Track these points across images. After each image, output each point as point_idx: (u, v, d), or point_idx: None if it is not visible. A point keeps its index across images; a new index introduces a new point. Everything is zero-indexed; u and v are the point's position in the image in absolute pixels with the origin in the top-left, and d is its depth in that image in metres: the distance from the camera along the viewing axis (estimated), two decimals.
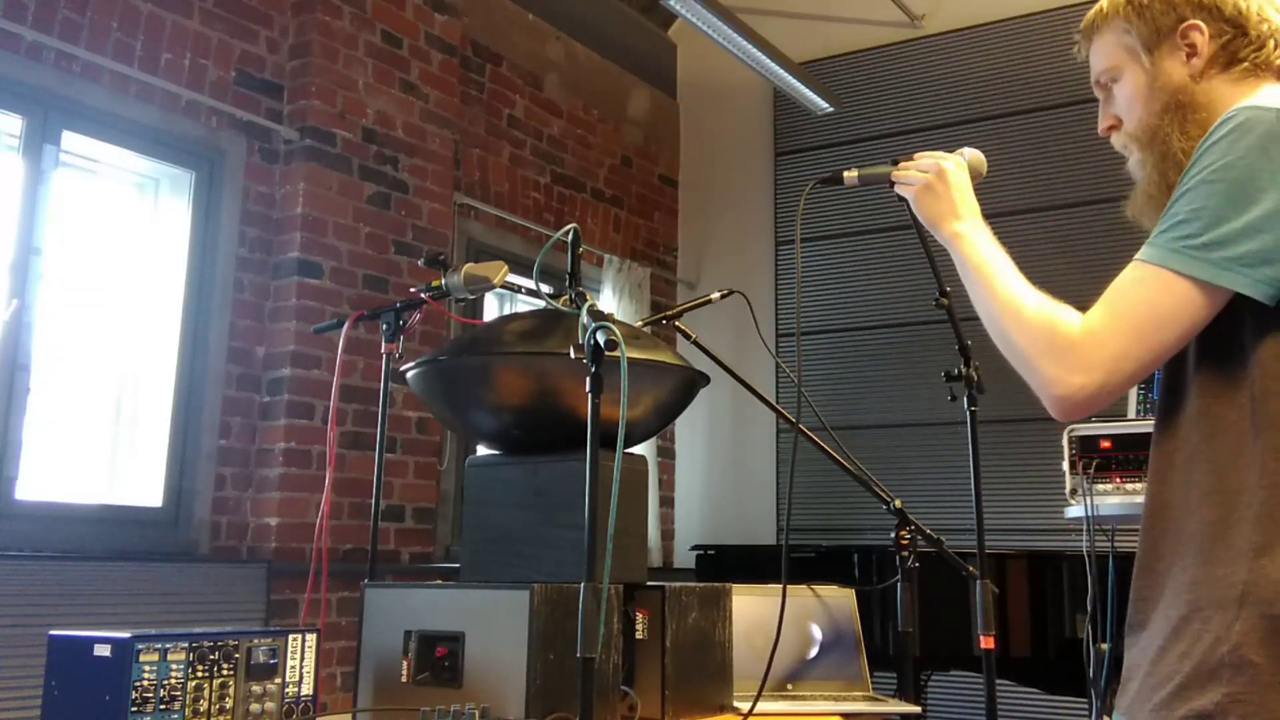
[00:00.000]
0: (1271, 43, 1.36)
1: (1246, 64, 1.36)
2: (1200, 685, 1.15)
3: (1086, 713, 4.58)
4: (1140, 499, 3.03)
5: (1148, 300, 1.22)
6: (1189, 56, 1.37)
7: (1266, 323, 1.20)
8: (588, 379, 1.85)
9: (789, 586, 2.36)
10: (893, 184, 1.64)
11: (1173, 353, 1.24)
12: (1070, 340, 1.25)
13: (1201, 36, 1.36)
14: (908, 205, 1.62)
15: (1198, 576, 1.20)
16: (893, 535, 2.66)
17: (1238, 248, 1.18)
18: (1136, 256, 1.25)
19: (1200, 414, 1.25)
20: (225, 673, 1.94)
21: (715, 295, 2.83)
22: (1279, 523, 1.16)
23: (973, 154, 2.45)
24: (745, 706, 2.29)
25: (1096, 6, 1.47)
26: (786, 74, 5.31)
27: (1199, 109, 1.36)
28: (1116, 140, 1.47)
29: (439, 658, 2.12)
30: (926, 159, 1.59)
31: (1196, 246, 1.20)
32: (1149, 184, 1.40)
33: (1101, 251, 5.12)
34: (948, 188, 1.53)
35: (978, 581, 2.48)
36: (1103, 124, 1.47)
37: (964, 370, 2.59)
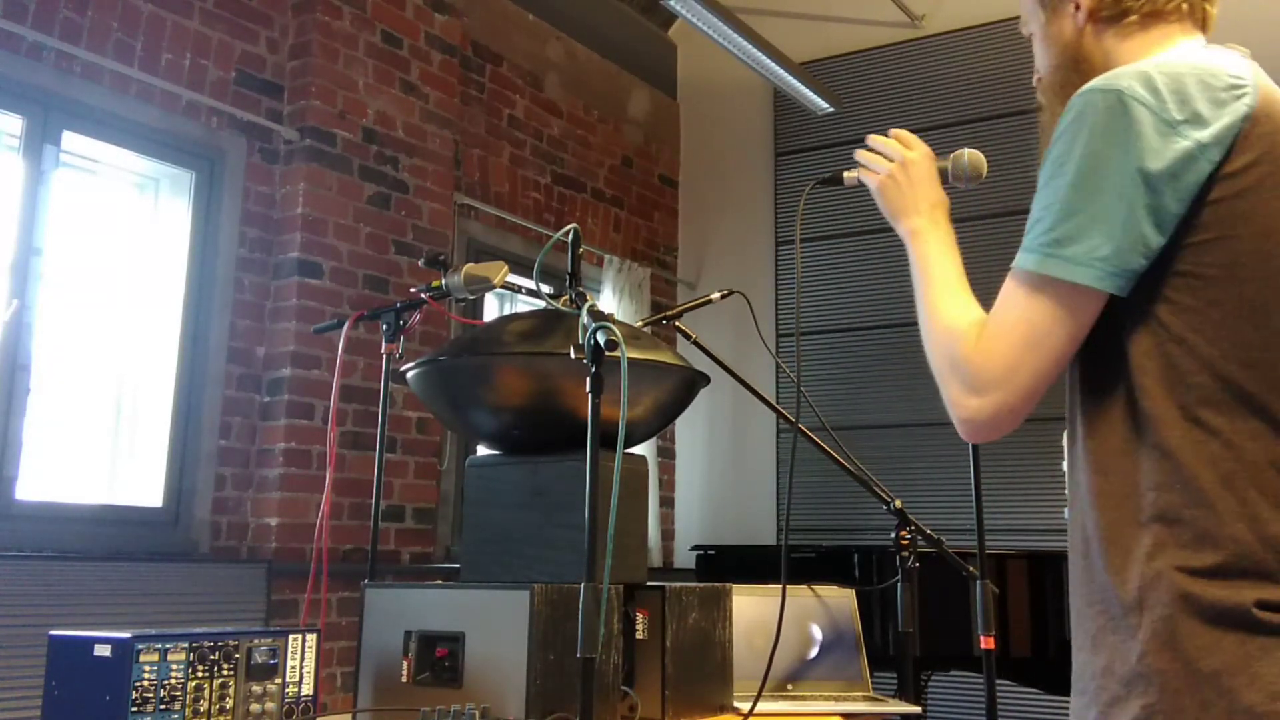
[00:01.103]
0: None
1: (1134, 16, 1.30)
2: (1123, 701, 1.12)
3: None
4: None
5: (1023, 307, 1.18)
6: (1075, 9, 1.33)
7: (1136, 317, 1.16)
8: (588, 379, 1.85)
9: (789, 586, 2.36)
10: (855, 167, 1.57)
11: (1068, 356, 1.19)
12: (965, 358, 1.21)
13: None
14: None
15: (1103, 583, 1.16)
16: (893, 535, 2.66)
17: (1088, 240, 1.13)
18: (1013, 263, 1.21)
19: (1087, 415, 1.22)
20: (225, 673, 1.94)
21: (715, 295, 2.84)
22: (1167, 524, 1.12)
23: (973, 154, 2.45)
24: (745, 707, 2.29)
25: None
26: (786, 74, 5.31)
27: (1084, 68, 1.32)
28: (1039, 93, 1.44)
29: (439, 658, 2.12)
30: (893, 147, 1.48)
31: (1049, 244, 1.16)
32: (1045, 139, 1.37)
33: None
34: (910, 181, 1.44)
35: (978, 582, 2.49)
36: (1034, 75, 1.45)
37: None
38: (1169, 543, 1.12)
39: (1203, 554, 1.10)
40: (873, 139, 1.51)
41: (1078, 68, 1.33)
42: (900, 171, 1.45)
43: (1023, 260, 1.19)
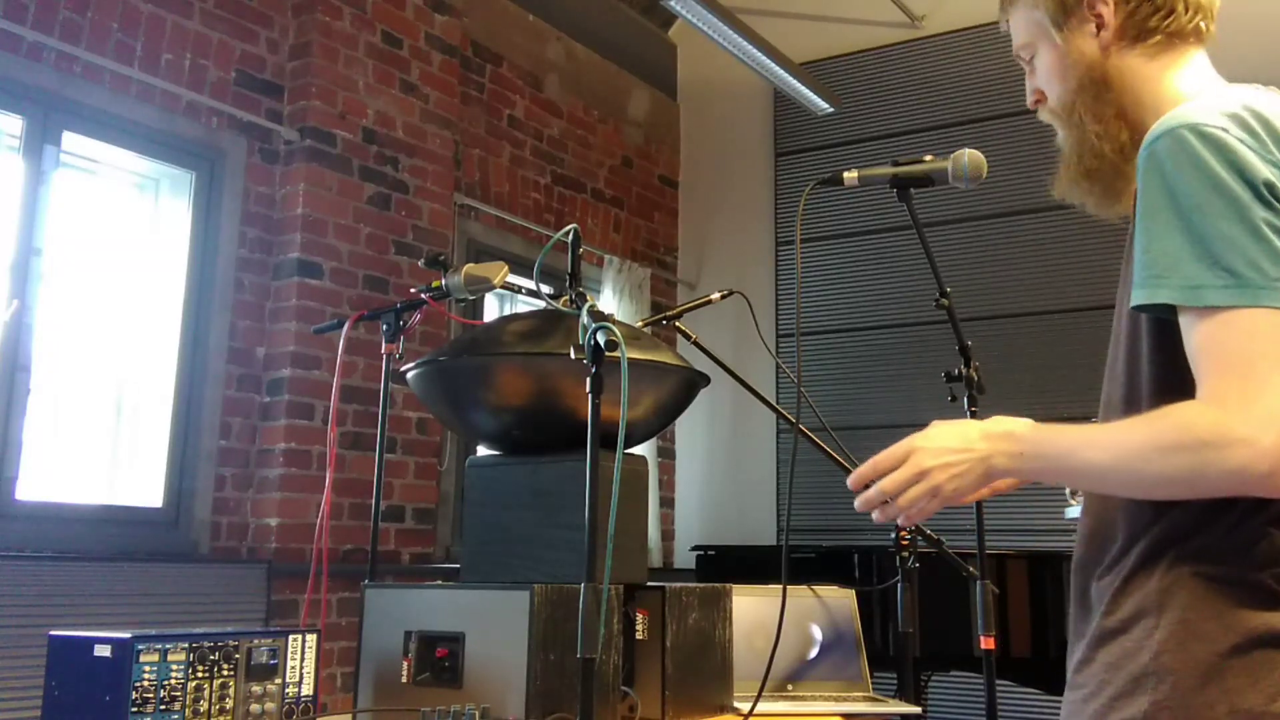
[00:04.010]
0: (1181, 6, 1.30)
1: (1159, 35, 1.30)
2: (1129, 695, 1.15)
3: None
4: None
5: (1263, 339, 1.09)
6: (1098, 29, 1.33)
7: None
8: (588, 379, 1.85)
9: (789, 587, 2.36)
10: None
11: None
12: (1217, 422, 1.08)
13: (1107, 7, 1.32)
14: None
15: (1122, 581, 1.20)
16: (893, 536, 2.66)
17: (1267, 263, 1.10)
18: (1189, 304, 1.11)
19: None
20: (225, 673, 1.94)
21: (715, 295, 2.84)
22: (1199, 532, 1.16)
23: (973, 154, 2.44)
24: (745, 707, 2.29)
25: None
26: (786, 74, 5.31)
27: (1112, 88, 1.32)
28: (1042, 114, 1.43)
29: (439, 658, 2.12)
30: (884, 474, 1.26)
31: (1245, 279, 1.09)
32: (1067, 165, 1.38)
33: (1102, 251, 5.12)
34: (942, 452, 1.24)
35: (978, 582, 2.48)
36: (1030, 97, 1.43)
37: (964, 371, 2.59)
38: (1206, 549, 1.15)
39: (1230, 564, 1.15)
40: (878, 490, 1.27)
41: (1105, 89, 1.33)
42: (925, 459, 1.24)
43: (1222, 297, 1.10)
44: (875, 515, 1.30)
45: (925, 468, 1.24)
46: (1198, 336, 1.11)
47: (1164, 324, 1.17)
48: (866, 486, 1.29)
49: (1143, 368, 1.22)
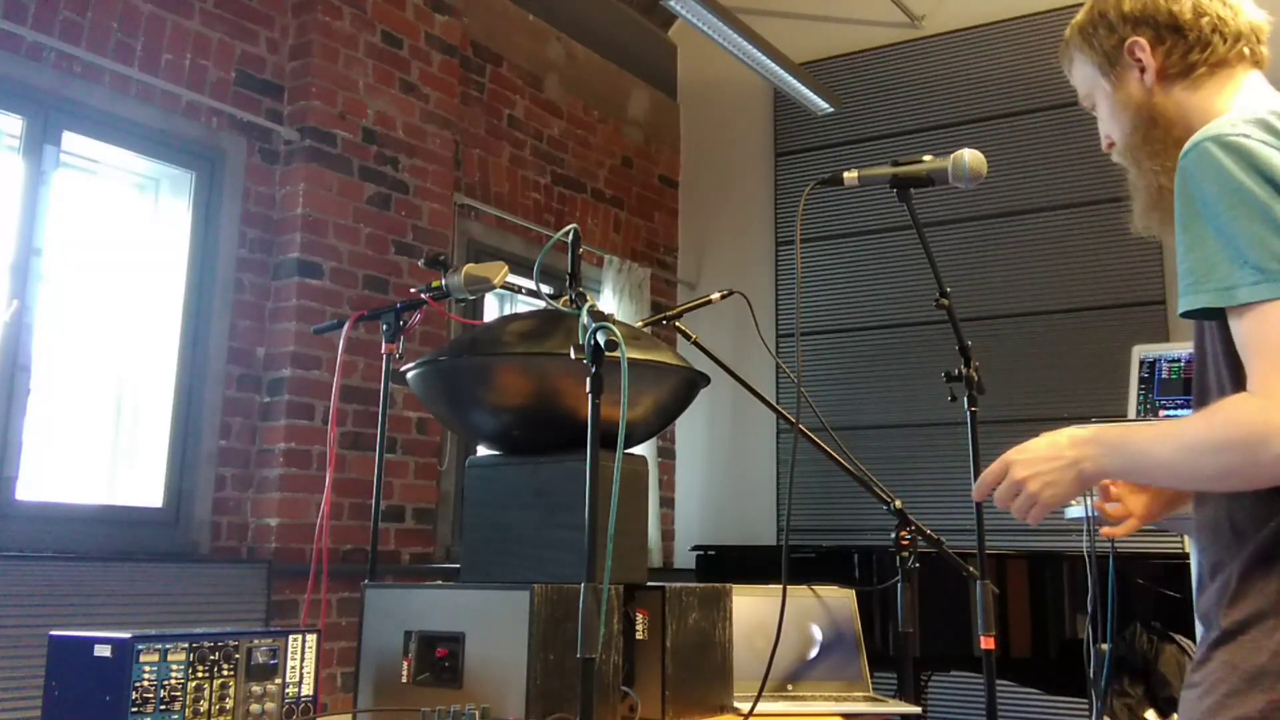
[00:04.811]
0: (1217, 37, 1.36)
1: (1202, 68, 1.36)
2: (1244, 693, 1.16)
3: (1086, 713, 4.58)
4: None
5: None
6: (1141, 73, 1.39)
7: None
8: (588, 379, 1.85)
9: (789, 587, 2.36)
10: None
11: None
12: (1260, 415, 1.12)
13: (1145, 52, 1.38)
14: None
15: (1244, 582, 1.21)
16: (893, 535, 2.66)
17: None
18: (1238, 302, 1.16)
19: None
20: (225, 673, 1.94)
21: (715, 295, 2.84)
22: None
23: (973, 154, 2.45)
24: (745, 707, 2.29)
25: (1065, 36, 1.51)
26: (786, 74, 5.31)
27: (1161, 124, 1.38)
28: (1114, 157, 1.49)
29: (439, 658, 2.12)
30: (998, 480, 1.38)
31: None
32: (1136, 200, 1.43)
33: (1101, 251, 5.12)
34: (1034, 463, 1.34)
35: (978, 582, 2.48)
36: (1103, 142, 1.50)
37: (964, 371, 2.58)
38: None
39: None
40: (1001, 492, 1.39)
41: (1154, 126, 1.38)
42: (1019, 472, 1.35)
43: (1253, 293, 1.15)
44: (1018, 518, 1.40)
45: (1019, 478, 1.35)
46: (1240, 333, 1.17)
47: (1225, 324, 1.21)
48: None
49: (1211, 370, 1.26)
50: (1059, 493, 1.33)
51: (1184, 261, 1.21)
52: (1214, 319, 1.21)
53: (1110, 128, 1.46)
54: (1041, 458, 1.33)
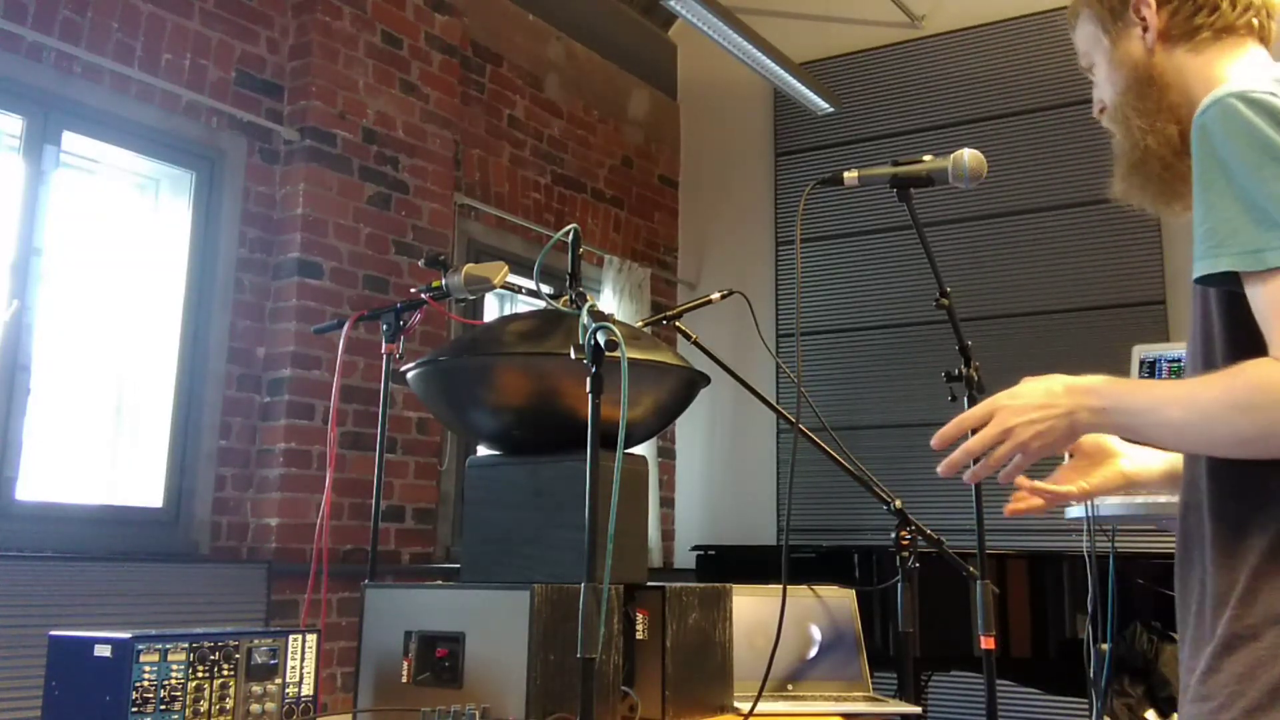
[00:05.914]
0: (1227, 3, 1.31)
1: (1206, 31, 1.32)
2: (1265, 709, 1.08)
3: (1087, 713, 4.58)
4: (1140, 499, 3.04)
5: None
6: (1144, 31, 1.35)
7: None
8: (588, 379, 1.85)
9: (789, 587, 2.36)
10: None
11: None
12: None
13: (1150, 9, 1.34)
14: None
15: (1256, 586, 1.13)
16: (893, 535, 2.66)
17: None
18: (1251, 269, 1.10)
19: None
20: (226, 673, 1.94)
21: (715, 295, 2.83)
22: None
23: (973, 154, 2.45)
24: (745, 707, 2.29)
25: None
26: (786, 74, 5.31)
27: (1157, 84, 1.33)
28: (1104, 121, 1.44)
29: (439, 658, 2.12)
30: (987, 434, 1.27)
31: None
32: (1117, 163, 1.39)
33: (1101, 251, 5.12)
34: (1027, 409, 1.25)
35: (978, 582, 2.48)
36: (1095, 108, 1.46)
37: (964, 370, 2.58)
38: None
39: None
40: (964, 451, 1.31)
41: (1150, 86, 1.34)
42: (1010, 419, 1.26)
43: None
44: (965, 476, 1.30)
45: (1009, 425, 1.25)
46: (1263, 298, 1.09)
47: (1233, 299, 1.14)
48: (951, 448, 1.29)
49: (1216, 347, 1.18)
50: (1048, 442, 1.23)
51: (1204, 223, 1.13)
52: (1231, 285, 1.12)
53: (1104, 89, 1.41)
54: (1034, 404, 1.24)
